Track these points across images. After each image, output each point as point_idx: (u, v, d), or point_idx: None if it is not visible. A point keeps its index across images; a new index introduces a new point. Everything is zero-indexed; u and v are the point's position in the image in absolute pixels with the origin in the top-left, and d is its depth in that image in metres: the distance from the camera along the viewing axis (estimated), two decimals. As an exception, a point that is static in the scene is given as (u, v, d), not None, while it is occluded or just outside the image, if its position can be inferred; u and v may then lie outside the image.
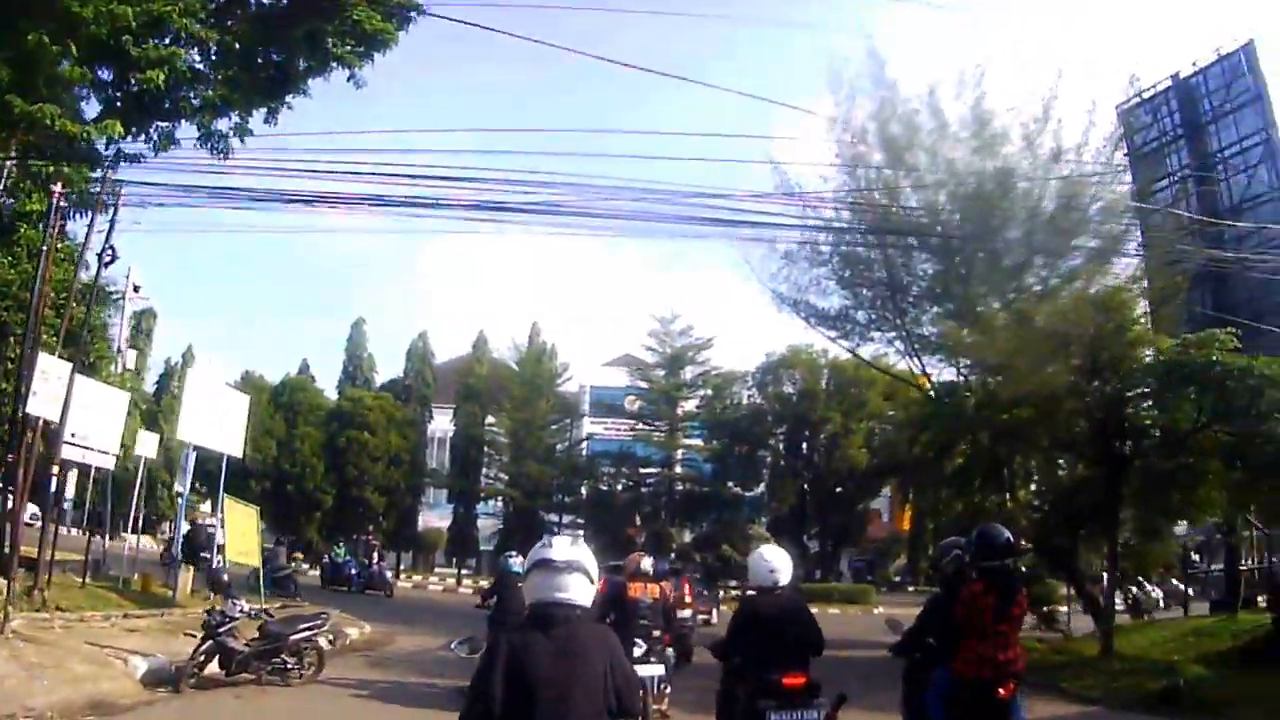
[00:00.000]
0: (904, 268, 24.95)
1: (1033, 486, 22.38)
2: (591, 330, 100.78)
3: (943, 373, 25.31)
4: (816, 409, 42.53)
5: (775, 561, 6.20)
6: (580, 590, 3.28)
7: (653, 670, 8.96)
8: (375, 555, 32.74)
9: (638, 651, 8.77)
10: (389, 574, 31.69)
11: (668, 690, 9.43)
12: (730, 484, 43.85)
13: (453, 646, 8.01)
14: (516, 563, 11.13)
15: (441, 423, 47.65)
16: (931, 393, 25.15)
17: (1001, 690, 5.81)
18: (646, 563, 9.95)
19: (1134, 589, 22.75)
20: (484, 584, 26.28)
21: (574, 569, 3.28)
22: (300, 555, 41.60)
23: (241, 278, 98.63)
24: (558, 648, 3.10)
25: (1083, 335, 17.42)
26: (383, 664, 15.25)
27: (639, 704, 3.37)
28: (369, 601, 26.88)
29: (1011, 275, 22.31)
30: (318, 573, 32.50)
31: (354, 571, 30.90)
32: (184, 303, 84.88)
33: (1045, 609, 20.29)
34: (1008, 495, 20.80)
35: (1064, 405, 18.10)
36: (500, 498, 42.96)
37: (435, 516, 47.75)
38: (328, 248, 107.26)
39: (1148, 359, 16.97)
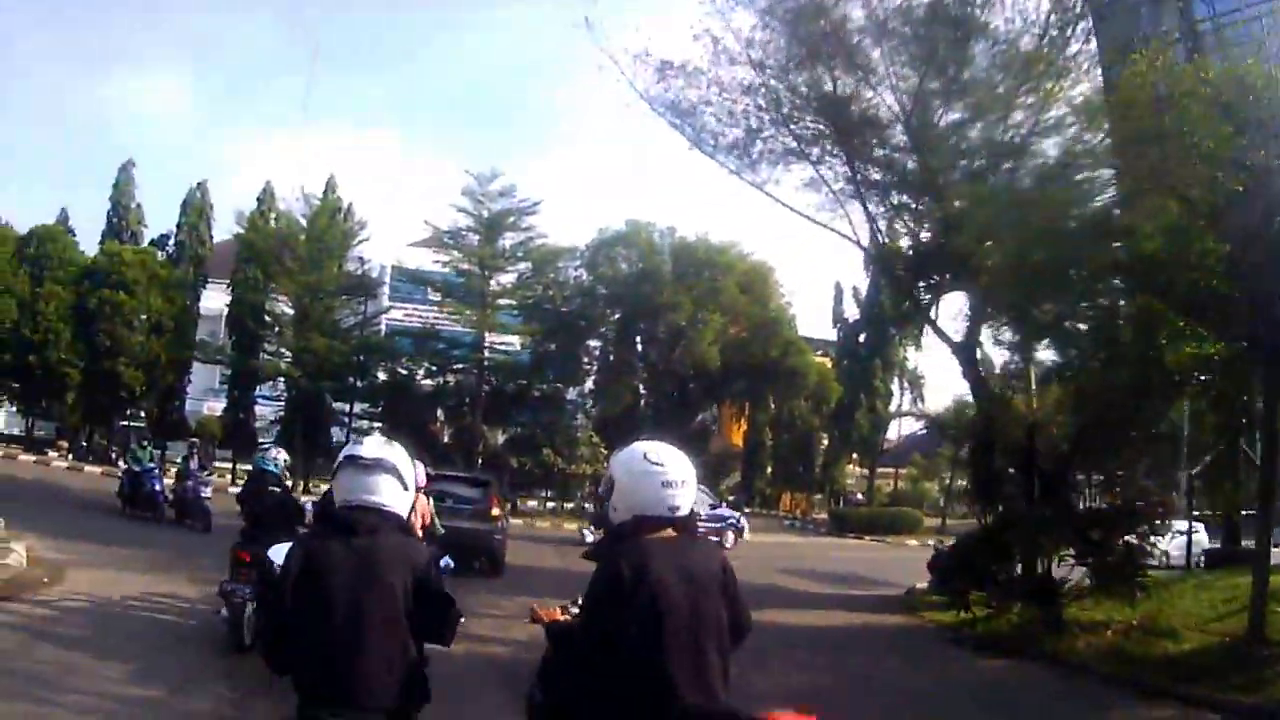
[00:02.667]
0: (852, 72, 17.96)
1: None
2: (398, 211, 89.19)
3: (894, 223, 19.23)
4: (660, 293, 35.54)
5: (670, 467, 2.90)
6: (391, 493, 3.00)
7: None
8: (195, 462, 20.56)
9: None
10: (206, 492, 19.15)
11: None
12: (552, 378, 36.84)
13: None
14: (275, 458, 9.59)
15: (220, 299, 38.71)
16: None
17: None
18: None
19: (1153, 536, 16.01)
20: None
21: (383, 468, 3.00)
22: (64, 444, 33.77)
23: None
24: (358, 558, 2.84)
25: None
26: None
27: (453, 626, 3.07)
28: (185, 537, 17.14)
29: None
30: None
31: (157, 487, 19.59)
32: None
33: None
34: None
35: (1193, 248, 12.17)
36: (282, 380, 35.37)
37: (219, 406, 39.85)
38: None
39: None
